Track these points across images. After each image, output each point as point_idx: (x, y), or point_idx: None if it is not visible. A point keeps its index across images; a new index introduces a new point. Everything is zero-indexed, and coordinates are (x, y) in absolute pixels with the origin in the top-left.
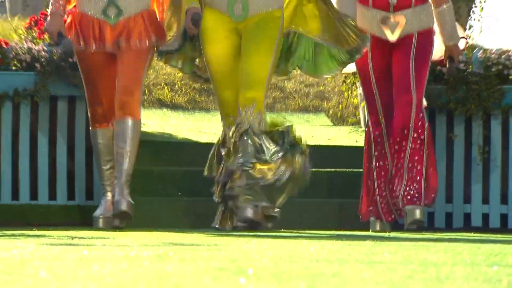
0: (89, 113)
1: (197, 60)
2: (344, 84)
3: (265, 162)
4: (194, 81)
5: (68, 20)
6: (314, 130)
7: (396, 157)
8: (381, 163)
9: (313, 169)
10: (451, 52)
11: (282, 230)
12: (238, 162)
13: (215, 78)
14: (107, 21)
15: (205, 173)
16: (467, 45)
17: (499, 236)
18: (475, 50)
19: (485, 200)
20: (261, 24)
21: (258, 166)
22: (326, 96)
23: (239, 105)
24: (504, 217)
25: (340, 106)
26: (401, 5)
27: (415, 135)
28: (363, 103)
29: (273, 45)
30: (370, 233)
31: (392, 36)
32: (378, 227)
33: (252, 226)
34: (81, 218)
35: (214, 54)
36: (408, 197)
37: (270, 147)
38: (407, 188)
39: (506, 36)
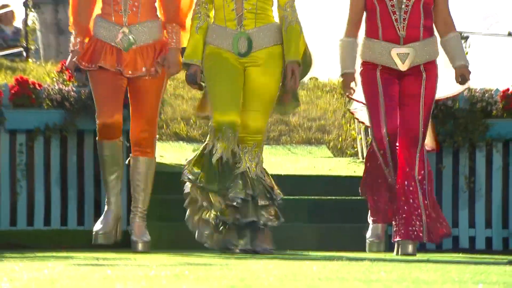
0: (97, 126)
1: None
2: (344, 118)
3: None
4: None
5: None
6: (316, 161)
7: (405, 196)
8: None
9: (316, 197)
10: (463, 71)
11: (287, 252)
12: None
13: (217, 106)
14: (120, 48)
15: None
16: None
17: (484, 257)
18: None
19: (471, 224)
20: (265, 63)
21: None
22: (327, 130)
23: (240, 139)
24: (488, 240)
25: (340, 138)
26: (410, 38)
27: (422, 173)
28: (360, 137)
29: (278, 83)
30: (367, 254)
31: (403, 66)
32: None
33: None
34: None
35: (219, 89)
36: (406, 231)
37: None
38: (412, 222)
39: (505, 37)
